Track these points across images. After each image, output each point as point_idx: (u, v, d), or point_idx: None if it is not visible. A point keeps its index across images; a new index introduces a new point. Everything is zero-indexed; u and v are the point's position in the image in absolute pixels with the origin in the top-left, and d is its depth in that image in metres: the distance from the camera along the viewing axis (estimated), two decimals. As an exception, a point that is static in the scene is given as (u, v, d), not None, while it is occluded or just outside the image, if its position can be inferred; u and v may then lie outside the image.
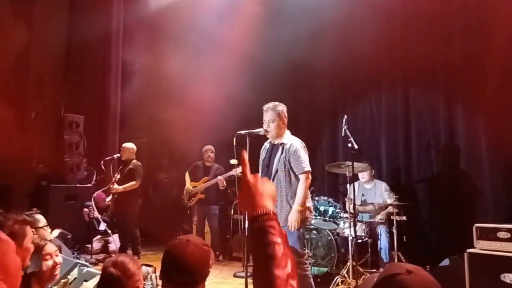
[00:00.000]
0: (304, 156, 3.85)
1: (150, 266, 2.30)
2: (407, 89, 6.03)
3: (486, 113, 5.22)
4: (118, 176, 6.47)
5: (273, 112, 3.89)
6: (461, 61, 5.48)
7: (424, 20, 5.68)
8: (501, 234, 4.20)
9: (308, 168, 3.81)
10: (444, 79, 5.68)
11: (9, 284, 1.32)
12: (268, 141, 4.06)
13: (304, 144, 3.95)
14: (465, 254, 4.30)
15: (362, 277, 4.85)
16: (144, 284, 2.30)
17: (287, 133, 3.99)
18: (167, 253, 1.90)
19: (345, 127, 4.74)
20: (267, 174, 3.93)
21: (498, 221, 4.39)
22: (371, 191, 5.68)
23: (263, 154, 4.10)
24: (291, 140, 3.90)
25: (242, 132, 4.08)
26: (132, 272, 1.95)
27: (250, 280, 4.13)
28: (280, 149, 3.88)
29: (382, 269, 4.58)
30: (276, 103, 3.96)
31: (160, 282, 2.68)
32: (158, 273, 2.51)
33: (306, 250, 5.20)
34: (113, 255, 6.32)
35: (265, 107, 3.96)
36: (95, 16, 7.80)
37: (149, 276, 2.29)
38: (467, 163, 5.42)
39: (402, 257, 5.00)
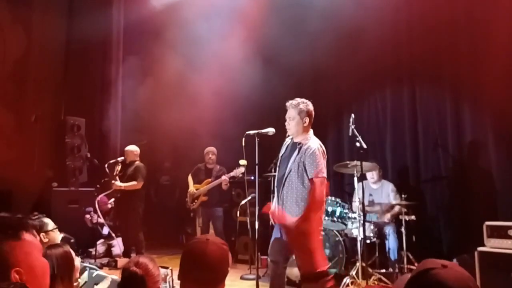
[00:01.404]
0: (321, 160, 3.63)
1: (167, 268, 2.27)
2: (413, 88, 5.99)
3: (493, 111, 5.19)
4: (119, 169, 6.38)
5: (293, 110, 3.72)
6: (468, 59, 5.44)
7: (429, 18, 5.64)
8: (512, 232, 4.19)
9: (322, 174, 3.60)
10: (451, 77, 5.65)
11: (35, 285, 1.27)
12: (290, 137, 3.88)
13: (324, 148, 3.77)
14: (476, 253, 4.29)
15: (372, 278, 4.82)
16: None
17: (310, 132, 3.79)
18: (188, 252, 1.89)
19: (353, 127, 4.71)
20: (280, 172, 3.84)
21: (508, 219, 4.38)
22: (378, 191, 5.64)
23: (283, 149, 3.92)
24: (310, 142, 3.70)
25: (251, 132, 4.03)
26: (153, 272, 1.95)
27: (261, 283, 4.09)
28: (297, 149, 3.70)
29: (391, 269, 4.54)
30: (300, 100, 3.76)
31: (176, 285, 2.63)
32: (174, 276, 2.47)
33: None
34: (117, 259, 6.34)
35: (288, 103, 3.78)
36: (95, 19, 7.76)
37: (167, 277, 2.25)
38: (475, 161, 5.38)
39: (411, 257, 4.97)
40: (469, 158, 5.44)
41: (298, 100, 3.76)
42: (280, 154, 3.91)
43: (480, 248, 4.29)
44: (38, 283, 1.31)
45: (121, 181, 6.38)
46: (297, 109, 3.71)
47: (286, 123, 3.78)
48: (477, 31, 5.35)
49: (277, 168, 3.92)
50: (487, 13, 5.23)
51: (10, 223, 1.35)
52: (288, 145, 3.88)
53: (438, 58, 5.69)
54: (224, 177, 6.26)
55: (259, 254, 4.55)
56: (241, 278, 5.58)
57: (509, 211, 4.82)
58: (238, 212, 6.13)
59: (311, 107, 3.78)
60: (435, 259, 1.26)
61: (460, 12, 5.54)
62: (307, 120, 3.73)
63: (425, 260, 1.30)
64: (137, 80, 7.90)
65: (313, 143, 3.70)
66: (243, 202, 5.91)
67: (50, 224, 3.29)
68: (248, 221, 5.93)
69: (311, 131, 3.81)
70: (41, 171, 7.46)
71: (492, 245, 4.28)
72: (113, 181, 6.26)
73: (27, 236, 1.33)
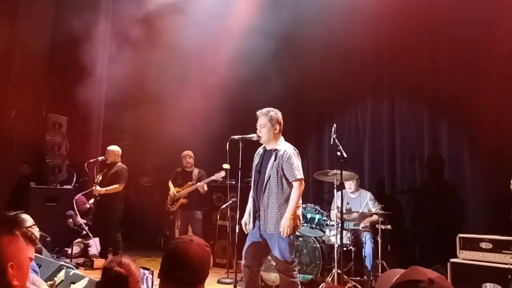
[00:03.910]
0: (297, 163, 3.84)
1: (148, 269, 2.28)
2: (393, 102, 6.15)
3: (469, 127, 5.38)
4: (100, 178, 6.36)
5: (264, 118, 3.90)
6: (447, 77, 5.63)
7: (411, 34, 5.82)
8: (483, 245, 4.34)
9: (300, 175, 3.81)
10: (429, 93, 5.82)
11: (20, 281, 1.30)
12: (262, 146, 4.04)
13: (297, 151, 3.95)
14: (448, 264, 4.41)
15: (347, 286, 4.90)
16: (140, 286, 2.27)
17: (281, 139, 3.97)
18: (170, 251, 1.90)
19: (334, 136, 4.78)
20: (259, 180, 3.94)
21: (480, 232, 4.53)
22: (356, 200, 5.74)
23: (256, 159, 4.08)
24: (284, 147, 3.88)
25: (236, 137, 4.11)
26: (135, 273, 1.95)
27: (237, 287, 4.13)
28: (273, 155, 3.86)
29: (366, 277, 4.59)
30: (270, 108, 3.95)
31: (155, 286, 2.64)
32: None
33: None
34: (94, 259, 6.28)
35: (258, 112, 3.96)
36: (82, 16, 7.69)
37: (145, 277, 2.26)
38: (450, 174, 5.55)
39: (386, 266, 5.06)
40: (444, 171, 5.59)
41: (268, 108, 3.95)
42: (254, 164, 4.04)
43: (453, 259, 4.43)
44: (23, 280, 1.35)
45: (102, 181, 6.33)
46: (267, 116, 3.89)
47: (257, 131, 3.95)
48: (456, 51, 5.54)
49: (253, 176, 4.03)
50: (467, 34, 5.41)
51: (6, 218, 1.40)
52: (261, 154, 4.04)
53: (418, 75, 5.86)
54: (200, 183, 6.29)
55: (236, 258, 4.60)
56: (218, 282, 5.59)
57: (480, 224, 4.98)
58: (218, 216, 6.14)
59: (280, 114, 3.97)
60: (423, 269, 1.23)
61: (441, 30, 5.72)
62: (277, 127, 3.92)
63: (413, 267, 1.27)
64: (122, 79, 7.84)
65: (288, 147, 3.90)
66: (223, 206, 5.93)
67: (29, 220, 3.26)
68: (228, 225, 5.96)
69: (281, 138, 3.99)
70: (19, 167, 7.34)
71: (465, 256, 4.41)
72: (93, 187, 6.21)
73: (19, 233, 1.37)
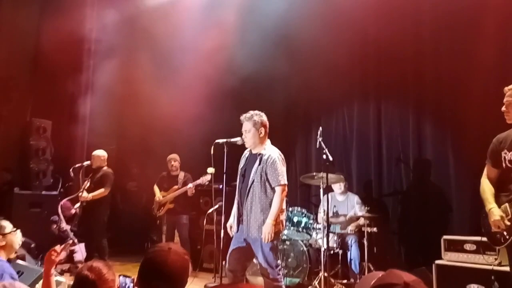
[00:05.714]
0: (281, 168, 3.80)
1: (128, 277, 2.25)
2: (379, 105, 6.19)
3: (453, 130, 5.43)
4: (88, 184, 6.28)
5: (248, 123, 3.85)
6: (431, 81, 5.69)
7: (396, 38, 5.86)
8: (468, 246, 4.39)
9: (284, 181, 3.78)
10: (414, 97, 5.87)
11: None
12: (248, 149, 4.00)
13: (283, 156, 3.91)
14: (433, 266, 4.46)
15: (334, 289, 4.91)
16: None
17: (267, 143, 3.93)
18: (148, 260, 1.88)
19: (320, 139, 4.81)
20: (243, 183, 3.92)
21: (464, 233, 4.58)
22: (343, 203, 5.76)
23: (242, 161, 4.04)
24: (270, 151, 3.84)
25: (220, 141, 4.10)
26: (107, 277, 1.94)
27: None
28: (258, 159, 3.82)
29: (353, 279, 4.60)
30: (254, 112, 3.89)
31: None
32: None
33: (279, 261, 5.21)
34: (79, 265, 6.20)
35: (242, 117, 3.90)
36: (67, 20, 7.62)
37: (126, 286, 2.23)
38: (435, 177, 5.59)
39: (372, 268, 5.08)
40: (429, 174, 5.63)
41: (252, 112, 3.88)
42: (240, 166, 4.02)
43: (438, 261, 4.48)
44: None
45: (89, 187, 6.25)
46: (251, 121, 3.83)
47: (243, 136, 3.90)
48: (441, 56, 5.60)
49: (238, 180, 4.00)
50: (451, 40, 5.48)
51: None
52: (247, 157, 4.00)
53: (403, 78, 5.90)
54: (190, 185, 6.24)
55: (224, 262, 4.58)
56: (205, 286, 5.56)
57: (465, 226, 5.03)
58: (205, 221, 6.11)
59: (265, 118, 3.91)
60: (400, 272, 1.25)
61: (426, 35, 5.77)
62: (262, 131, 3.86)
63: (390, 270, 1.30)
64: (108, 84, 7.79)
65: (273, 152, 3.85)
66: (210, 210, 5.90)
67: (7, 226, 3.22)
68: (214, 229, 5.92)
69: (268, 141, 3.94)
70: (2, 173, 7.24)
71: (449, 258, 4.46)
72: (79, 194, 6.13)
73: None
